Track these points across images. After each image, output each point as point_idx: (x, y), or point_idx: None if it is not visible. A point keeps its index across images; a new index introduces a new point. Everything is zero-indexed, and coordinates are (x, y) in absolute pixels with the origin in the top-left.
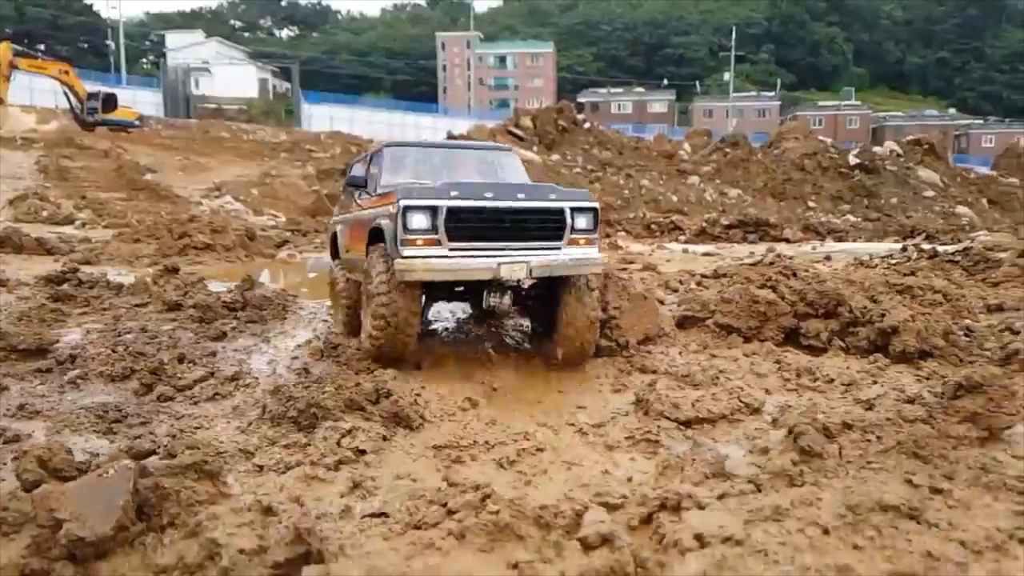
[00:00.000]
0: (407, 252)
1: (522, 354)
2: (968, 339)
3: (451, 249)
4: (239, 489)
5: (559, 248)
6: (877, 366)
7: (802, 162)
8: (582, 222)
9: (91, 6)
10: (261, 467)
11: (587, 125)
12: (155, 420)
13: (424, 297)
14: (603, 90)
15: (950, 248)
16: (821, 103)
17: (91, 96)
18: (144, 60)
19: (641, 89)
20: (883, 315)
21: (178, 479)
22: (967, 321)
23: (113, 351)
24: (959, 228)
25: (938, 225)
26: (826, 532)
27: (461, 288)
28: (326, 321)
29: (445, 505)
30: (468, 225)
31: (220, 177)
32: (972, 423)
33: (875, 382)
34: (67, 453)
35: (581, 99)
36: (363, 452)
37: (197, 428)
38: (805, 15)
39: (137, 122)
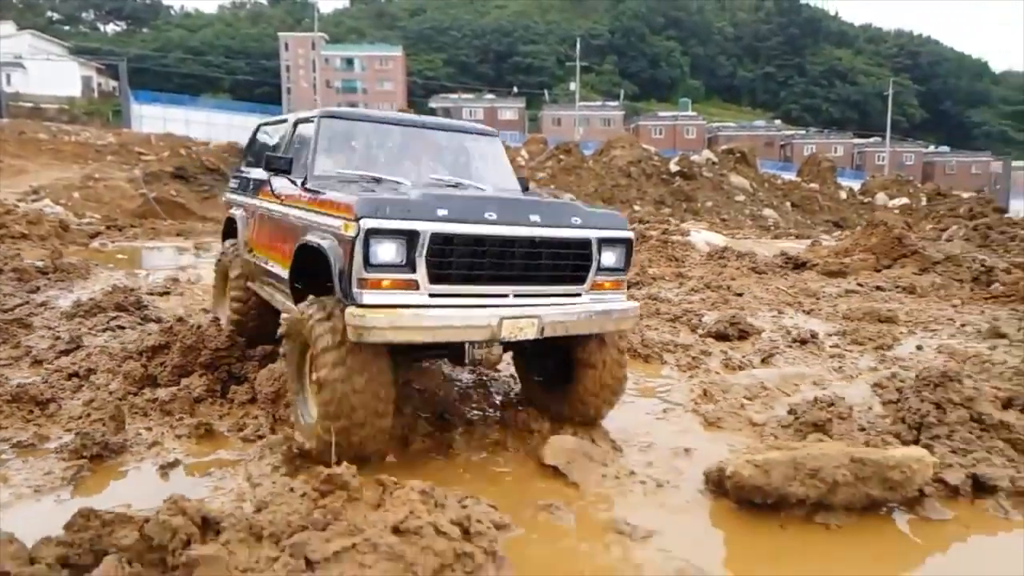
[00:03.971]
0: (368, 298)
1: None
2: None
3: (432, 295)
4: (43, 333)
5: (579, 295)
6: None
7: (628, 169)
8: (610, 258)
9: None
10: (57, 332)
11: None
12: None
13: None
14: (455, 96)
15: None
16: (661, 113)
17: None
18: None
19: (492, 96)
20: None
21: (7, 326)
22: None
23: None
24: (674, 220)
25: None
26: None
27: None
28: (117, 280)
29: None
30: (459, 260)
31: (38, 180)
32: None
33: None
34: None
35: (433, 104)
36: (122, 328)
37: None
38: (645, 29)
39: None
